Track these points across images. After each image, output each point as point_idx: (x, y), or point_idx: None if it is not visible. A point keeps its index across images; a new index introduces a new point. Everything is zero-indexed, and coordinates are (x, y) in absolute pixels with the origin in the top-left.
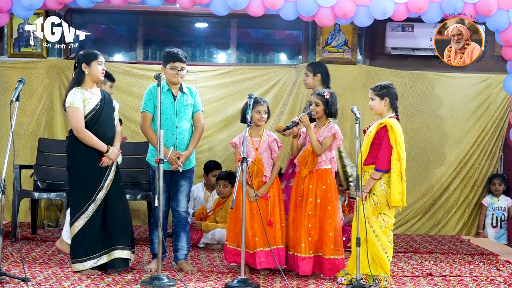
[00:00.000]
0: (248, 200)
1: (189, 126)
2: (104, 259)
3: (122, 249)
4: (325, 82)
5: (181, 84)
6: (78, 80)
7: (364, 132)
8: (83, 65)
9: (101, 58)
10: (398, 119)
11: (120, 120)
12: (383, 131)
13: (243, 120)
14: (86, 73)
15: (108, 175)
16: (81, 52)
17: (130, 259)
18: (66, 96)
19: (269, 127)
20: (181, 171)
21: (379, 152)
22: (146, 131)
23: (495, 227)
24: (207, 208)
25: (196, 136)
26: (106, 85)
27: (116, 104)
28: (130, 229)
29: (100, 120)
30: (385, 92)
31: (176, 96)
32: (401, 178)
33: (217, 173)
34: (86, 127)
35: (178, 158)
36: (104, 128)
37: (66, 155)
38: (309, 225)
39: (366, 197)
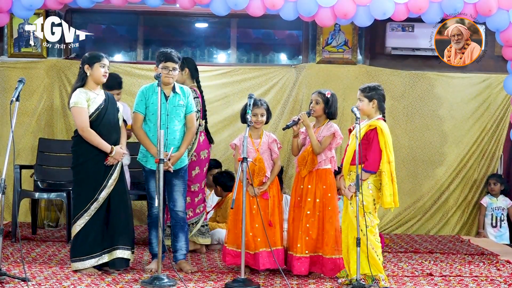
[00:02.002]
0: (249, 196)
1: (181, 127)
2: (105, 258)
3: (124, 249)
4: (194, 76)
5: (174, 84)
6: (81, 81)
7: (350, 131)
8: (86, 66)
9: (105, 61)
10: (385, 120)
11: (124, 121)
12: (372, 133)
13: (243, 120)
14: (88, 74)
15: (111, 174)
16: (86, 54)
17: (130, 260)
18: (70, 97)
19: (269, 127)
20: (172, 171)
21: (368, 154)
22: (136, 131)
23: (495, 227)
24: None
25: (188, 137)
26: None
27: (120, 106)
28: (132, 229)
29: (105, 120)
30: (373, 94)
31: (168, 96)
32: (392, 180)
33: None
34: (91, 127)
35: (169, 160)
36: (109, 128)
37: (71, 154)
38: (307, 225)
39: (352, 196)
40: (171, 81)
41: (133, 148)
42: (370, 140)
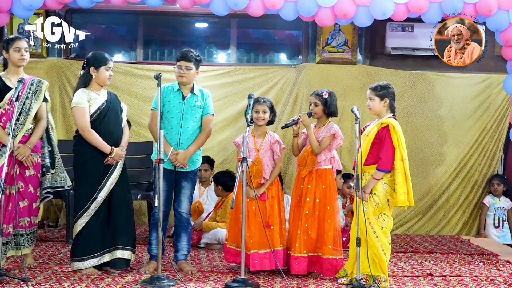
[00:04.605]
0: (247, 198)
1: (196, 128)
2: (106, 258)
3: (124, 249)
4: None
5: (193, 85)
6: (85, 82)
7: (361, 132)
8: (92, 68)
9: (111, 64)
10: (395, 119)
11: (129, 123)
12: (384, 131)
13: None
14: (94, 76)
15: (111, 174)
16: (91, 54)
17: (131, 260)
18: (73, 97)
19: (270, 127)
20: (186, 167)
21: (381, 152)
22: (153, 129)
23: (497, 227)
24: (202, 203)
25: (200, 138)
26: None
27: (124, 106)
28: (133, 229)
29: (106, 120)
30: (385, 92)
31: (186, 96)
32: (406, 178)
33: (207, 167)
34: (92, 127)
35: (176, 155)
36: (110, 128)
37: (73, 154)
38: (306, 225)
39: (367, 198)
40: (183, 80)
41: (141, 148)
42: (382, 138)
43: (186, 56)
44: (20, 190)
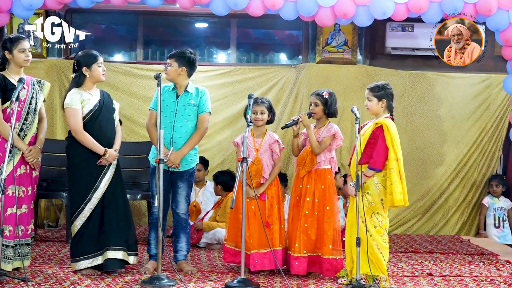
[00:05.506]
0: (247, 198)
1: (190, 127)
2: (99, 260)
3: (115, 249)
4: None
5: (188, 83)
6: (78, 82)
7: (359, 130)
8: (84, 69)
9: (101, 59)
10: (393, 119)
11: (119, 121)
12: (378, 130)
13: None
14: (88, 76)
15: (104, 175)
16: (80, 54)
17: (127, 261)
18: (65, 97)
19: (269, 127)
20: (178, 168)
21: (374, 151)
22: (149, 128)
23: (498, 227)
24: (199, 203)
25: (194, 137)
26: None
27: (116, 105)
28: (129, 230)
29: (99, 121)
30: (382, 93)
31: (179, 95)
32: (401, 177)
33: (200, 167)
34: (85, 128)
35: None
36: (103, 129)
37: (66, 155)
38: (305, 225)
39: (354, 192)
40: (165, 76)
41: (140, 147)
42: (376, 138)
43: (171, 53)
44: (29, 192)
